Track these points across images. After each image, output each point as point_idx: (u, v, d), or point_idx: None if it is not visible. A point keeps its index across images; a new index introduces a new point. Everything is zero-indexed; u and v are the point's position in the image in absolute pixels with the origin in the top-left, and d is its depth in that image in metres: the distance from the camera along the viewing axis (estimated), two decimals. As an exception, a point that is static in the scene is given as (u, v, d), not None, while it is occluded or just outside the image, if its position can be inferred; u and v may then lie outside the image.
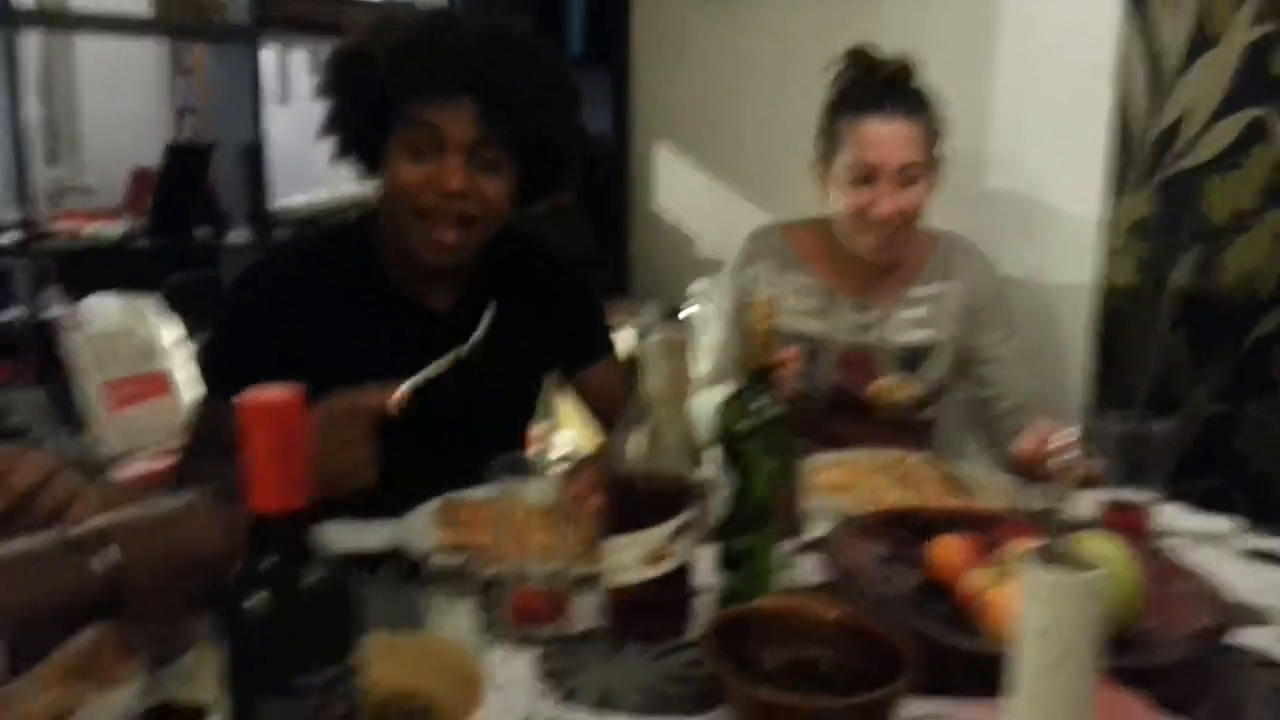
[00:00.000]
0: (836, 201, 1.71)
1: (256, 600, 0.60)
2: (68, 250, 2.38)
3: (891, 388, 1.73)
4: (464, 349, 1.24)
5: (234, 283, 1.40)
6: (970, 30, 2.15)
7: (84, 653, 0.87)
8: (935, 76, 1.70)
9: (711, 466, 1.02)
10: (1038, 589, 0.64)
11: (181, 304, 2.59)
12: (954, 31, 2.16)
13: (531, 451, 1.03)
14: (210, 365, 1.39)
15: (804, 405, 1.71)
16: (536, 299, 1.48)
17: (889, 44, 1.70)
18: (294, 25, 2.57)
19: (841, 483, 1.35)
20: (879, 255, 1.71)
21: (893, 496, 1.30)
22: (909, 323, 1.77)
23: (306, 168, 2.85)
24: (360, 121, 1.32)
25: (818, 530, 1.17)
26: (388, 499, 1.18)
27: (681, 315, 2.09)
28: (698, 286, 2.13)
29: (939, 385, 1.79)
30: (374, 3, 2.77)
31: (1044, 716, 0.65)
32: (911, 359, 1.77)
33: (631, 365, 0.96)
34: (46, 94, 5.41)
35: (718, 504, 1.02)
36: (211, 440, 1.32)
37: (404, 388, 1.10)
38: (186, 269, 3.12)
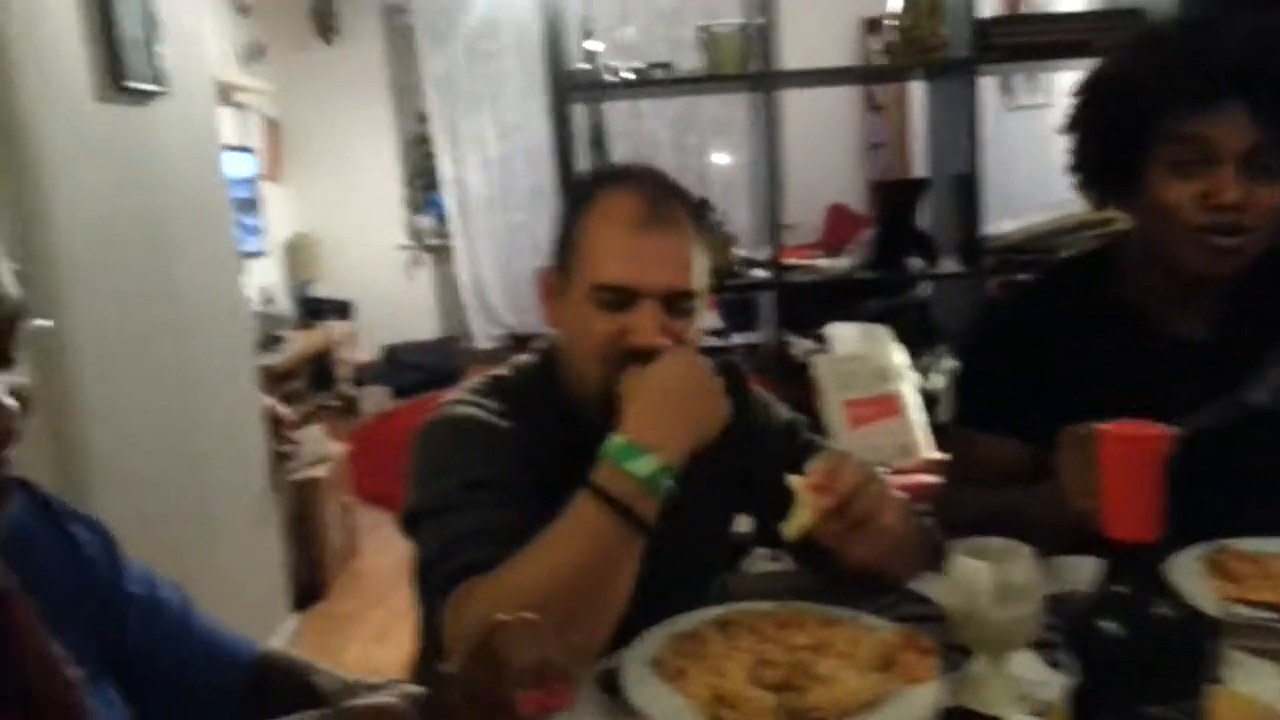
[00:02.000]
0: None
1: (1108, 625, 0.65)
2: (805, 283, 2.74)
3: None
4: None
5: (981, 314, 1.50)
6: None
7: (885, 645, 1.01)
8: None
9: None
10: None
11: (892, 329, 2.81)
12: None
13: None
14: (962, 393, 1.50)
15: None
16: None
17: None
18: (1012, 53, 2.61)
19: None
20: None
21: None
22: None
23: (995, 193, 2.90)
24: (1117, 147, 1.29)
25: None
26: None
27: None
28: None
29: None
30: (1102, 13, 2.69)
31: None
32: None
33: None
34: (759, 144, 6.28)
35: None
36: (966, 468, 1.43)
37: None
38: (893, 299, 3.38)
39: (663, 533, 1.23)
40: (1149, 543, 0.66)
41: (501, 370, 1.26)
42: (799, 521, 1.04)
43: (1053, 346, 1.35)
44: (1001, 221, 2.88)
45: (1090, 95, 1.32)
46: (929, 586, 1.20)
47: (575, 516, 1.03)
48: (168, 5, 2.44)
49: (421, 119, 6.30)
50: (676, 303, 1.14)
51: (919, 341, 2.66)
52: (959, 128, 2.76)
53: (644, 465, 1.03)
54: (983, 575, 0.96)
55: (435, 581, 1.04)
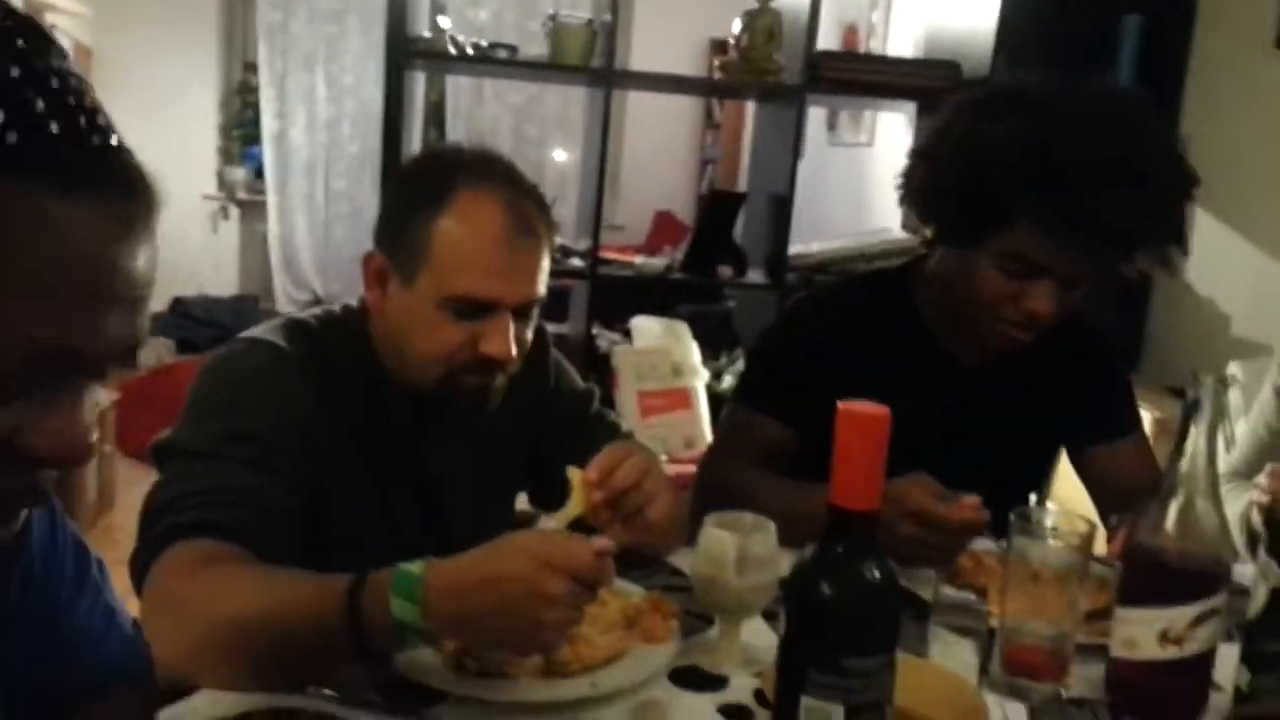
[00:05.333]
0: None
1: (821, 583, 0.70)
2: (618, 277, 2.79)
3: None
4: None
5: (785, 312, 1.55)
6: None
7: (631, 608, 1.06)
8: None
9: (1252, 556, 0.96)
10: None
11: (697, 334, 2.91)
12: None
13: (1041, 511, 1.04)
14: (748, 377, 1.56)
15: None
16: (1063, 366, 1.44)
17: None
18: (839, 87, 2.76)
19: None
20: None
21: None
22: None
23: (812, 217, 3.05)
24: (949, 225, 1.34)
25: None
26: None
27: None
28: (1233, 369, 1.94)
29: None
30: (923, 61, 2.87)
31: None
32: None
33: (1177, 435, 0.94)
34: (593, 139, 6.33)
35: (1255, 599, 0.95)
36: (737, 445, 1.48)
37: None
38: (702, 303, 3.49)
39: (453, 501, 1.24)
40: (867, 511, 0.71)
41: (307, 318, 1.19)
42: (570, 511, 1.06)
43: (840, 350, 1.41)
44: (811, 244, 3.04)
45: (934, 173, 1.32)
46: (685, 560, 1.25)
47: (317, 589, 0.89)
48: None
49: (249, 68, 6.00)
50: (525, 309, 1.12)
51: (719, 345, 2.76)
52: (782, 150, 2.89)
53: (407, 614, 0.84)
54: (727, 545, 1.01)
55: (157, 527, 0.98)
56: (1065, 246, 1.22)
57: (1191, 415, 0.94)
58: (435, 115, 6.08)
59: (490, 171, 1.12)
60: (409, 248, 1.10)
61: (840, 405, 0.71)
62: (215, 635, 0.88)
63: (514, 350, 1.10)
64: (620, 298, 3.42)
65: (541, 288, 1.13)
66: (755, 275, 2.85)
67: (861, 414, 0.70)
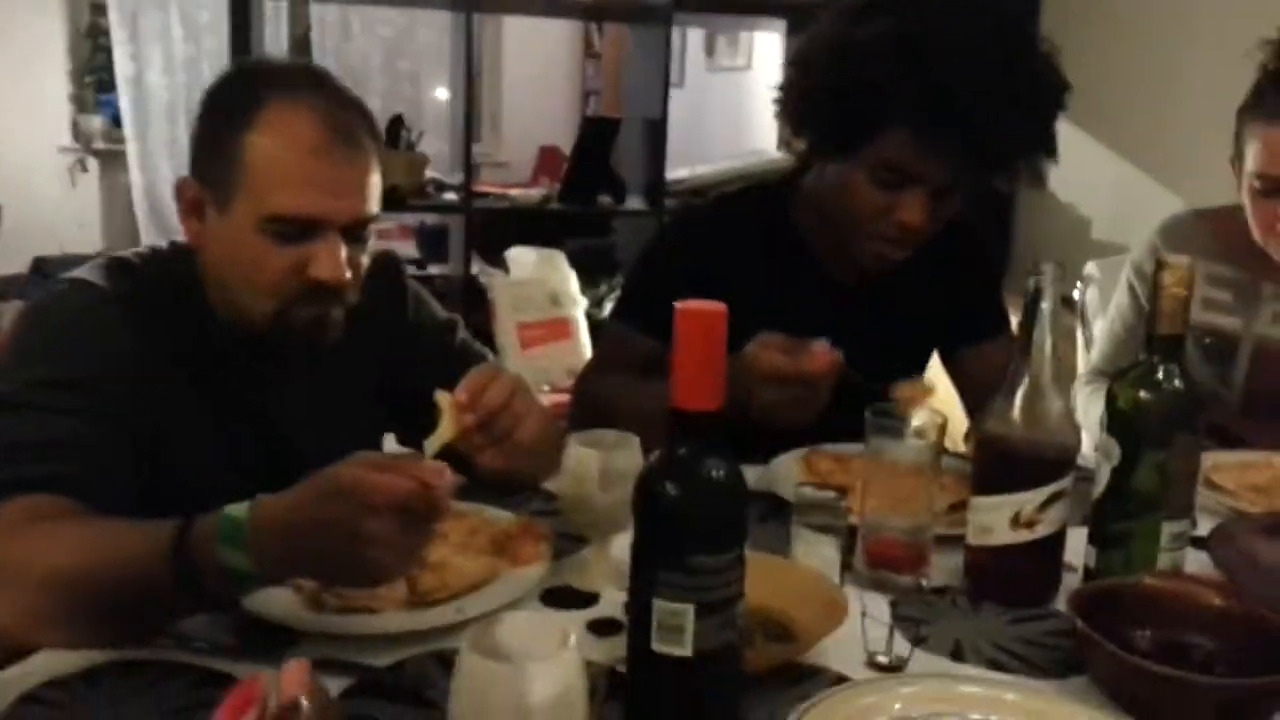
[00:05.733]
0: (1247, 210, 1.55)
1: (670, 483, 0.70)
2: (493, 210, 2.73)
3: None
4: None
5: (664, 227, 1.51)
6: None
7: (501, 534, 1.04)
8: None
9: (1098, 442, 0.99)
10: None
11: (579, 264, 2.87)
12: None
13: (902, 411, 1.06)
14: (626, 294, 1.53)
15: (1213, 406, 1.57)
16: (938, 275, 1.45)
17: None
18: (708, 4, 2.72)
19: (1250, 483, 1.24)
20: None
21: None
22: None
23: (693, 143, 3.02)
24: (824, 136, 1.31)
25: (1207, 526, 1.09)
26: (755, 446, 1.21)
27: (1072, 297, 1.99)
28: (1090, 269, 2.01)
29: None
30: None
31: None
32: None
33: (1021, 324, 0.96)
34: (458, 65, 6.13)
35: (1099, 480, 0.99)
36: (613, 361, 1.46)
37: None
38: (586, 234, 3.45)
39: (301, 441, 1.18)
40: (710, 410, 0.70)
41: (129, 255, 1.11)
42: (441, 436, 1.01)
43: (719, 267, 1.38)
44: (692, 168, 3.02)
45: (807, 82, 1.30)
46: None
47: (144, 538, 0.85)
48: None
49: (97, 9, 5.63)
50: (356, 230, 1.05)
51: (601, 274, 2.73)
52: (655, 74, 2.84)
53: (237, 561, 0.82)
54: (591, 462, 1.00)
55: None
56: (937, 151, 1.22)
57: (1034, 304, 0.96)
58: (301, 52, 5.81)
59: (303, 80, 1.05)
60: (221, 170, 1.02)
61: (677, 305, 0.69)
62: (47, 594, 0.85)
63: (347, 274, 1.04)
64: (503, 233, 3.35)
65: (372, 205, 1.07)
66: (634, 202, 2.82)
67: (698, 312, 0.69)
